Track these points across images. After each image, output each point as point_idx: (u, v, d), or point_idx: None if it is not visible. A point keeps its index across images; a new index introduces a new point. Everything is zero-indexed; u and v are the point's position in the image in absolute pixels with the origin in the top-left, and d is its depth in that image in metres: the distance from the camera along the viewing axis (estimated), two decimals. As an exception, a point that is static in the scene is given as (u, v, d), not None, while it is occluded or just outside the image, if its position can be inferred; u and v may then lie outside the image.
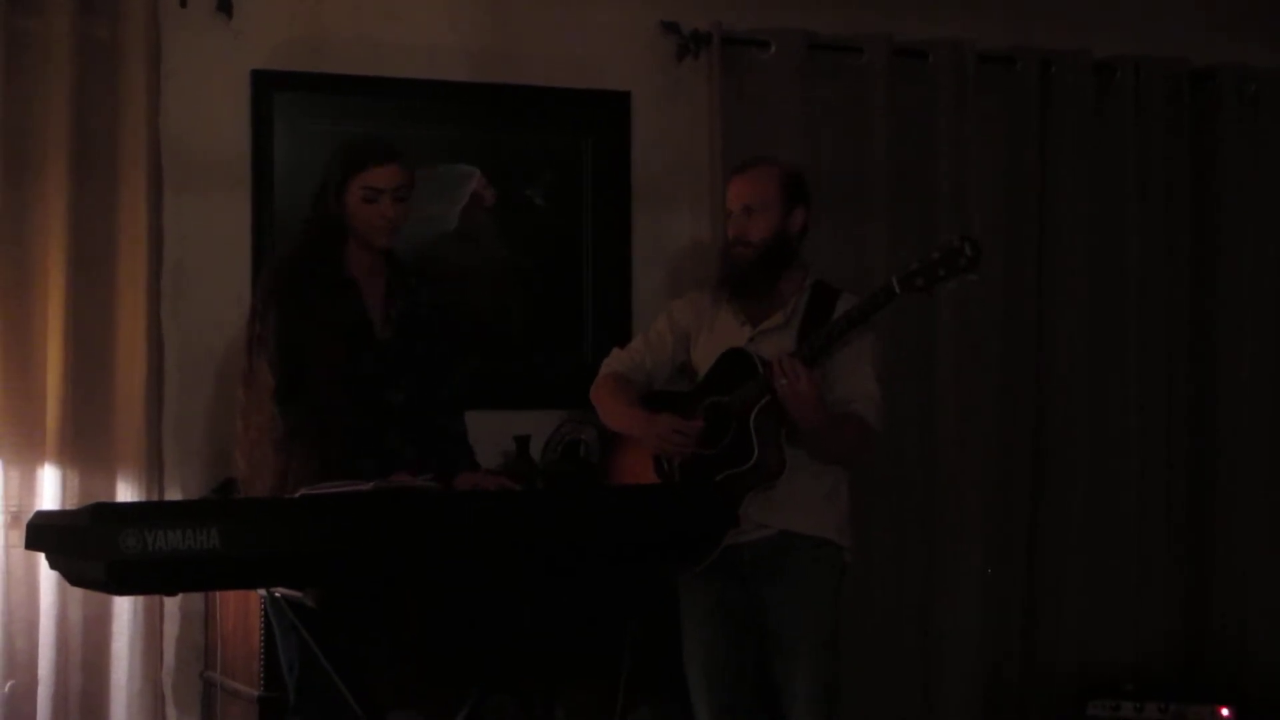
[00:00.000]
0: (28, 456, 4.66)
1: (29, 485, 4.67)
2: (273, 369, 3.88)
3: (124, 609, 4.68)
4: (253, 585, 3.85)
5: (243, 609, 4.47)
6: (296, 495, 3.49)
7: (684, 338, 4.48)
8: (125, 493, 4.70)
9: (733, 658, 4.35)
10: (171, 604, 4.79)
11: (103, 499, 4.60)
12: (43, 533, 3.36)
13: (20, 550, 4.55)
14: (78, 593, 4.57)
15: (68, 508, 4.53)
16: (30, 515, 3.51)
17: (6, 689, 4.61)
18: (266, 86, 4.97)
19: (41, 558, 3.71)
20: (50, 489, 4.63)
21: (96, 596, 4.58)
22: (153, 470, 4.74)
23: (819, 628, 4.28)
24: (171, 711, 4.82)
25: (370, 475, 3.71)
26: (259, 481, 3.87)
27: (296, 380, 3.87)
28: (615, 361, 4.51)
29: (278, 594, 3.74)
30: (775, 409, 4.20)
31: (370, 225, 4.02)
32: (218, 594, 4.57)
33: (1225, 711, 5.30)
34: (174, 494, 4.81)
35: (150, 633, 4.72)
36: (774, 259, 4.34)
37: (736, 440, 4.23)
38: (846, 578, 4.41)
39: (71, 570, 3.30)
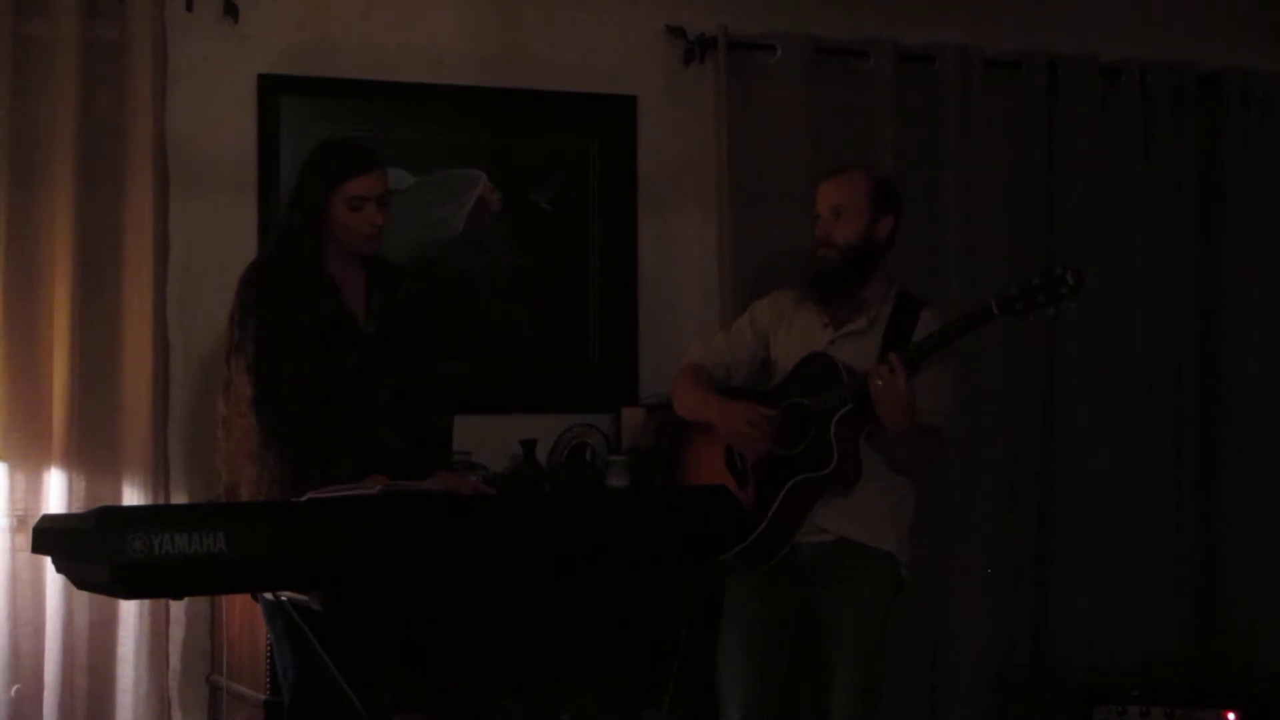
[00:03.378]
0: (34, 460, 4.67)
1: (35, 489, 4.67)
2: (249, 375, 3.88)
3: (130, 613, 4.68)
4: (259, 589, 3.85)
5: (249, 613, 4.47)
6: (303, 499, 3.49)
7: (764, 335, 4.47)
8: (131, 496, 4.70)
9: (770, 655, 4.34)
10: (177, 608, 4.79)
11: (109, 503, 4.60)
12: (49, 536, 3.36)
13: (26, 554, 4.55)
14: (84, 596, 4.57)
15: (74, 511, 4.53)
16: (36, 519, 3.50)
17: (13, 693, 4.61)
18: (273, 90, 4.97)
19: (48, 561, 3.70)
20: (56, 493, 4.63)
21: (102, 600, 4.59)
22: (158, 474, 4.74)
23: (865, 636, 4.28)
24: (177, 715, 4.82)
25: (345, 479, 3.71)
26: (239, 491, 3.87)
27: (273, 386, 3.86)
28: (695, 354, 4.52)
29: (282, 598, 3.74)
30: (856, 417, 4.18)
31: (356, 234, 4.00)
32: (224, 598, 4.57)
33: (1232, 716, 5.29)
34: (180, 498, 4.81)
35: (156, 636, 4.72)
36: (858, 264, 4.32)
37: (816, 444, 4.21)
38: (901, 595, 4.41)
39: (77, 574, 3.30)
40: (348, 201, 3.98)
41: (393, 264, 4.19)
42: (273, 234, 4.18)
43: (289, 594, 3.68)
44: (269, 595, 3.81)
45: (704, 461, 4.37)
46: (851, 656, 4.26)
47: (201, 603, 4.77)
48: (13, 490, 4.65)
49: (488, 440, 4.40)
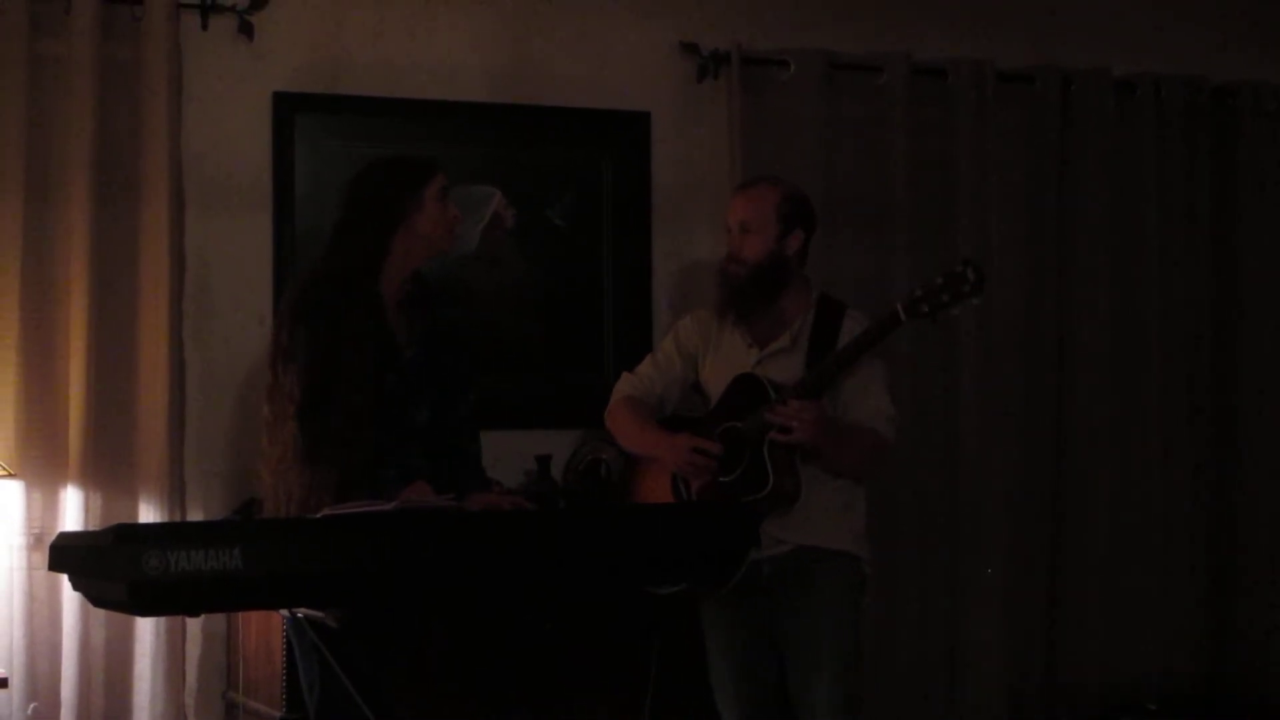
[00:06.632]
0: (50, 478, 4.68)
1: (51, 507, 4.68)
2: (299, 381, 3.88)
3: (146, 630, 4.69)
4: (275, 605, 3.86)
5: (265, 630, 4.48)
6: (319, 515, 3.50)
7: (691, 358, 4.50)
8: (147, 514, 4.71)
9: (760, 672, 4.36)
10: (194, 625, 4.79)
11: (125, 520, 4.61)
12: (65, 554, 3.37)
13: (43, 572, 4.56)
14: (100, 614, 4.58)
15: (90, 529, 4.54)
16: (53, 537, 3.51)
17: (30, 711, 4.62)
18: (288, 108, 4.99)
19: (64, 579, 3.71)
20: (73, 510, 4.64)
21: (119, 618, 4.60)
22: (174, 491, 4.75)
23: (840, 639, 4.27)
24: (194, 732, 4.83)
25: (391, 485, 3.71)
26: (282, 497, 3.87)
27: (322, 394, 3.86)
28: (627, 385, 4.53)
29: (300, 614, 3.74)
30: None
31: (446, 226, 4.05)
32: (240, 615, 4.57)
33: (1248, 729, 5.30)
34: (196, 515, 4.82)
35: (173, 654, 4.72)
36: (767, 280, 4.35)
37: (752, 467, 4.24)
38: (868, 593, 4.40)
39: (94, 591, 3.30)
40: (440, 194, 4.02)
41: (435, 288, 4.20)
42: (327, 247, 4.16)
43: (305, 611, 3.68)
44: (285, 612, 3.81)
45: (653, 490, 4.39)
46: (829, 660, 4.25)
47: (218, 620, 4.78)
48: (29, 508, 4.66)
49: (502, 455, 4.40)
